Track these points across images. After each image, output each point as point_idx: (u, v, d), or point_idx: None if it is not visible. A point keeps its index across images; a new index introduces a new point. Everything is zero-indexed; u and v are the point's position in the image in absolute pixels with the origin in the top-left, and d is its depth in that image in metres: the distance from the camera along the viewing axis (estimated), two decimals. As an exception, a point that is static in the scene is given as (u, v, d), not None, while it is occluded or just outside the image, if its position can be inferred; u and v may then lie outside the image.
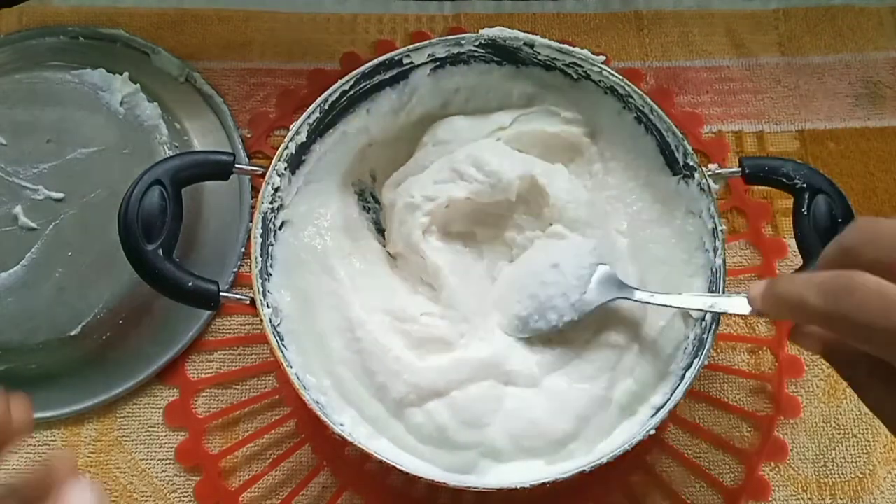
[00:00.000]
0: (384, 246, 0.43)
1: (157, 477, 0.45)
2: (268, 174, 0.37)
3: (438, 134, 0.42)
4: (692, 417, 0.46)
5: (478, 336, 0.40)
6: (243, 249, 0.48)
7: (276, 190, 0.38)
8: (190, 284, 0.34)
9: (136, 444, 0.45)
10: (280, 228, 0.39)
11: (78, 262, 0.44)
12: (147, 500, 0.45)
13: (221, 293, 0.35)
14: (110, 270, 0.44)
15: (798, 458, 0.46)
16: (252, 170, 0.36)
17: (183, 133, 0.49)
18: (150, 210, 0.32)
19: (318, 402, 0.35)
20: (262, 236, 0.37)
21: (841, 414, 0.47)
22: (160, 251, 0.33)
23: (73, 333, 0.44)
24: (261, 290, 0.36)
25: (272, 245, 0.38)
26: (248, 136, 0.50)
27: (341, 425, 0.35)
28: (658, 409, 0.37)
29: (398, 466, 0.35)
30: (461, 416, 0.37)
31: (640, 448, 0.45)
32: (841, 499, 0.46)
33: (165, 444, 0.45)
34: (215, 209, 0.48)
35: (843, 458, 0.46)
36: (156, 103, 0.48)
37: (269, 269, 0.38)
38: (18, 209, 0.45)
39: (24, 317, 0.44)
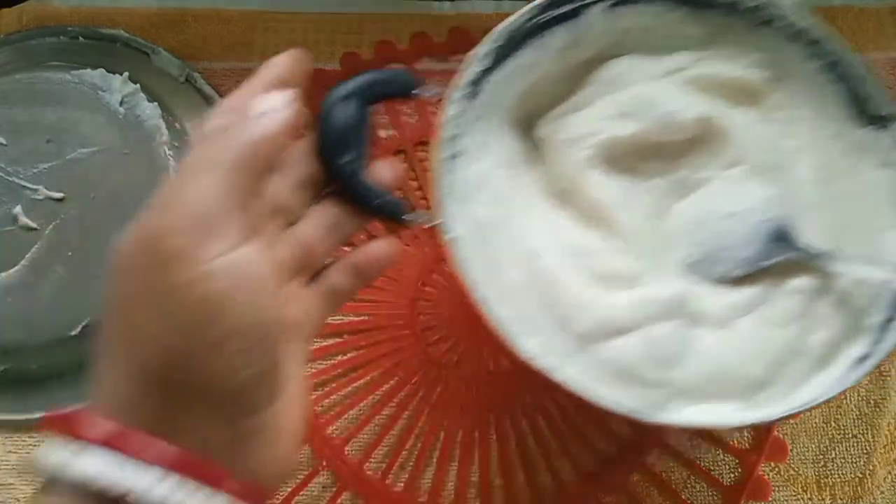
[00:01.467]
0: (549, 184, 0.41)
1: (156, 477, 0.45)
2: (445, 102, 0.37)
3: (607, 73, 0.41)
4: (692, 417, 0.46)
5: (658, 275, 0.38)
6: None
7: (451, 119, 0.37)
8: (378, 201, 0.34)
9: (136, 445, 0.45)
10: (453, 158, 0.37)
11: (78, 262, 0.44)
12: (147, 501, 0.45)
13: (406, 215, 0.35)
14: (110, 270, 0.44)
15: (798, 458, 0.46)
16: (430, 95, 0.35)
17: (183, 133, 0.49)
18: (346, 122, 0.32)
19: (505, 327, 0.34)
20: (441, 161, 0.36)
21: (841, 414, 0.47)
22: (353, 164, 0.33)
23: (72, 334, 0.44)
24: (445, 214, 0.35)
25: (446, 175, 0.37)
26: (248, 136, 0.50)
27: (530, 352, 0.34)
28: (862, 359, 0.35)
29: (594, 398, 0.33)
30: (649, 354, 0.36)
31: (639, 447, 0.46)
32: (841, 499, 0.46)
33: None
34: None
35: (844, 458, 0.46)
36: (156, 103, 0.48)
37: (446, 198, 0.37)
38: (18, 209, 0.45)
39: (24, 317, 0.44)
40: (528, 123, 0.42)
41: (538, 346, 0.34)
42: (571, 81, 0.41)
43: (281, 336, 0.26)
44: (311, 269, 0.31)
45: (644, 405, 0.34)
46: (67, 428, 0.24)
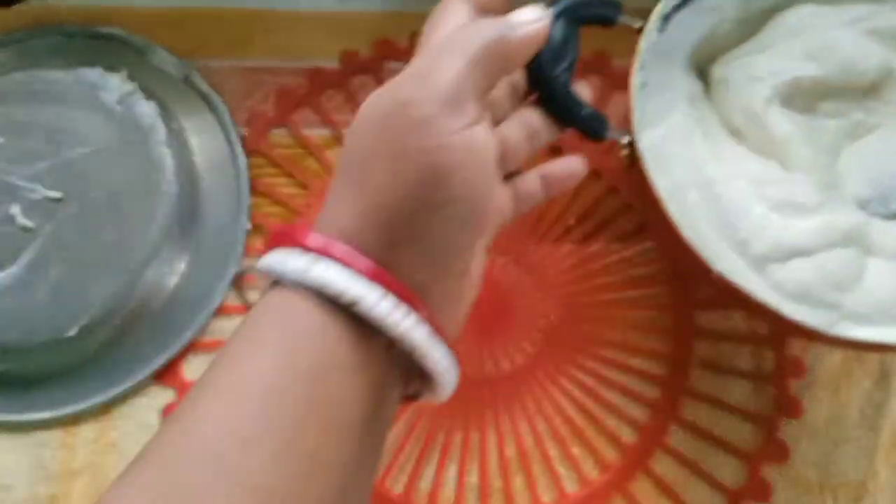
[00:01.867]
0: (724, 121, 0.43)
1: (155, 478, 0.45)
2: (644, 32, 0.39)
3: (789, 19, 0.42)
4: (694, 418, 0.46)
5: (834, 206, 0.40)
6: (242, 249, 0.48)
7: (646, 49, 0.39)
8: (584, 112, 0.37)
9: (134, 446, 0.45)
10: (643, 87, 0.39)
11: (75, 262, 0.44)
12: (145, 502, 0.44)
13: (608, 130, 0.38)
14: (108, 271, 0.44)
15: (800, 460, 0.46)
16: (633, 21, 0.39)
17: (181, 132, 0.49)
18: (563, 36, 0.35)
19: (695, 242, 0.37)
20: (637, 87, 0.39)
21: (844, 415, 0.47)
22: (565, 75, 0.36)
23: (70, 334, 0.43)
24: (637, 132, 0.38)
25: (640, 100, 0.39)
26: (247, 134, 0.50)
27: (718, 268, 0.36)
28: None
29: (782, 311, 0.36)
30: (825, 277, 0.38)
31: (641, 450, 0.46)
32: (843, 500, 0.45)
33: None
34: (213, 208, 0.48)
35: (846, 459, 0.46)
36: (153, 102, 0.47)
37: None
38: (15, 209, 0.44)
39: (21, 317, 0.43)
40: (699, 65, 0.44)
41: (720, 268, 0.36)
42: (751, 26, 0.43)
43: (489, 215, 0.31)
44: (505, 170, 0.34)
45: (816, 324, 0.37)
46: (300, 241, 0.28)
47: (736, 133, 0.43)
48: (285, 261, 0.27)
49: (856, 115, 0.43)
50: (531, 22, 0.32)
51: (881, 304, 0.39)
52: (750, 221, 0.39)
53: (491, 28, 0.30)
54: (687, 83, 0.43)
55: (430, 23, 0.34)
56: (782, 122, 0.41)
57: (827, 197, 0.41)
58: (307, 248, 0.27)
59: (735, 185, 0.40)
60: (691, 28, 0.42)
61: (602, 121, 0.38)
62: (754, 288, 0.37)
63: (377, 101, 0.29)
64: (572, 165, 0.37)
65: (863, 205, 0.42)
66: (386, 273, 0.27)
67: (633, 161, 0.39)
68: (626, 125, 0.39)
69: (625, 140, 0.39)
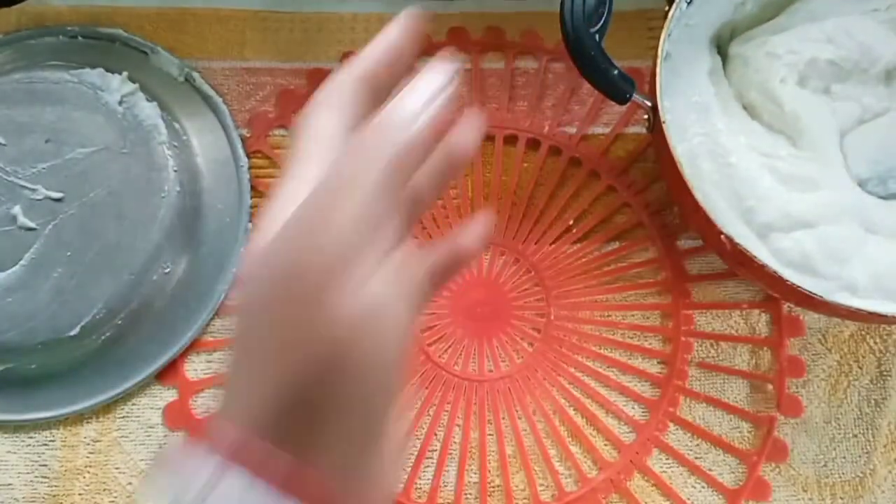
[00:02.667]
0: (738, 95, 0.45)
1: (156, 477, 0.45)
2: (674, 2, 0.41)
3: (809, 4, 0.44)
4: (692, 417, 0.46)
5: (838, 183, 0.42)
6: (243, 249, 0.48)
7: (674, 20, 0.41)
8: (614, 72, 0.38)
9: (136, 445, 0.45)
10: (667, 58, 0.41)
11: (77, 262, 0.44)
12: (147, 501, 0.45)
13: (633, 94, 0.39)
14: (110, 270, 0.44)
15: (799, 459, 0.46)
16: None
17: (182, 132, 0.49)
18: None
19: (707, 205, 0.38)
20: (662, 56, 0.40)
21: (842, 414, 0.47)
22: (596, 36, 0.37)
23: (72, 333, 0.44)
24: (659, 99, 0.39)
25: (664, 69, 0.41)
26: (248, 135, 0.50)
27: (724, 230, 0.38)
28: None
29: (783, 276, 0.37)
30: (825, 249, 0.40)
31: (640, 449, 0.46)
32: (841, 498, 0.46)
33: (165, 444, 0.45)
34: (214, 208, 0.48)
35: (844, 458, 0.46)
36: (155, 103, 0.47)
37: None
38: (17, 209, 0.45)
39: (23, 317, 0.43)
40: (718, 42, 0.46)
41: (728, 232, 0.38)
42: (771, 10, 0.45)
43: (402, 377, 0.26)
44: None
45: (816, 291, 0.38)
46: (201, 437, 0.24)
47: (750, 108, 0.44)
48: (187, 485, 0.24)
49: (866, 99, 0.44)
50: (435, 96, 0.24)
51: (877, 279, 0.40)
52: (758, 191, 0.41)
53: (387, 142, 0.23)
54: (708, 58, 0.44)
55: (300, 134, 0.25)
56: (795, 101, 0.43)
57: (831, 174, 0.42)
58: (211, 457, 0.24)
59: (746, 157, 0.42)
60: (717, 5, 0.44)
61: (631, 82, 0.39)
62: (758, 253, 0.38)
63: (261, 266, 0.24)
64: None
65: (862, 184, 0.43)
66: (294, 479, 0.23)
67: (653, 127, 0.40)
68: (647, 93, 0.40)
69: (648, 105, 0.40)
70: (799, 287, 0.38)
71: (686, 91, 0.43)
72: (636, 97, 0.40)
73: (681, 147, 0.41)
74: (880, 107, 0.44)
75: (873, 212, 0.42)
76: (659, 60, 0.40)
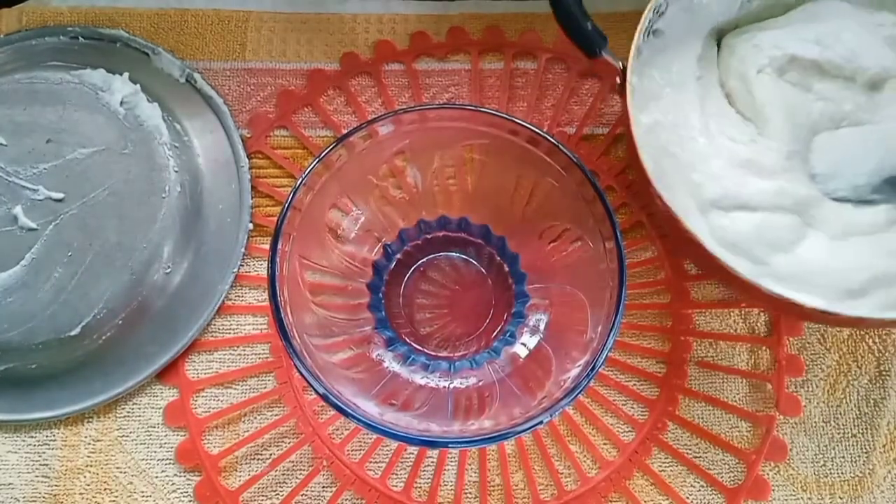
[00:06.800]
0: (722, 82, 0.46)
1: (157, 477, 0.45)
2: None
3: (814, 7, 0.45)
4: (691, 417, 0.47)
5: (794, 176, 0.43)
6: (243, 250, 0.48)
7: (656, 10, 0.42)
8: (588, 25, 0.40)
9: (137, 444, 0.45)
10: (653, 34, 0.43)
11: (78, 263, 0.44)
12: (147, 500, 0.45)
13: (604, 50, 0.41)
14: (110, 270, 0.44)
15: (798, 458, 0.46)
16: None
17: (183, 133, 0.49)
18: None
19: (649, 169, 0.39)
20: (652, 29, 0.42)
21: (841, 413, 0.47)
22: None
23: (72, 333, 0.44)
24: (632, 71, 0.40)
25: (643, 42, 0.42)
26: (248, 136, 0.50)
27: (667, 201, 0.38)
28: None
29: (712, 251, 0.37)
30: (762, 235, 0.41)
31: (639, 448, 0.46)
32: (840, 498, 0.46)
33: (165, 444, 0.45)
34: (215, 209, 0.48)
35: (843, 457, 0.46)
36: (156, 104, 0.48)
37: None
38: (18, 209, 0.45)
39: (24, 317, 0.44)
40: (720, 34, 0.47)
41: (673, 206, 0.38)
42: (780, 9, 0.46)
43: None
44: None
45: (743, 272, 0.38)
46: None
47: (729, 96, 0.45)
48: None
49: (846, 105, 0.44)
50: None
51: (806, 273, 0.41)
52: (710, 169, 0.42)
53: None
54: (701, 45, 0.45)
55: None
56: (767, 90, 0.44)
57: (790, 167, 0.43)
58: None
59: (708, 136, 0.43)
60: (719, 5, 0.45)
61: (604, 38, 0.40)
62: (694, 226, 0.38)
63: None
64: None
65: (813, 177, 0.43)
66: None
67: (622, 90, 0.41)
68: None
69: (619, 65, 0.41)
70: (725, 263, 0.37)
71: (669, 67, 0.44)
72: (606, 54, 0.41)
73: (646, 116, 0.42)
74: (858, 117, 0.44)
75: (818, 209, 0.42)
76: (640, 27, 0.41)
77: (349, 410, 0.35)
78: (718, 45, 0.46)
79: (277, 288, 0.37)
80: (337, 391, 0.36)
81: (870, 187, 0.43)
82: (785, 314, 0.47)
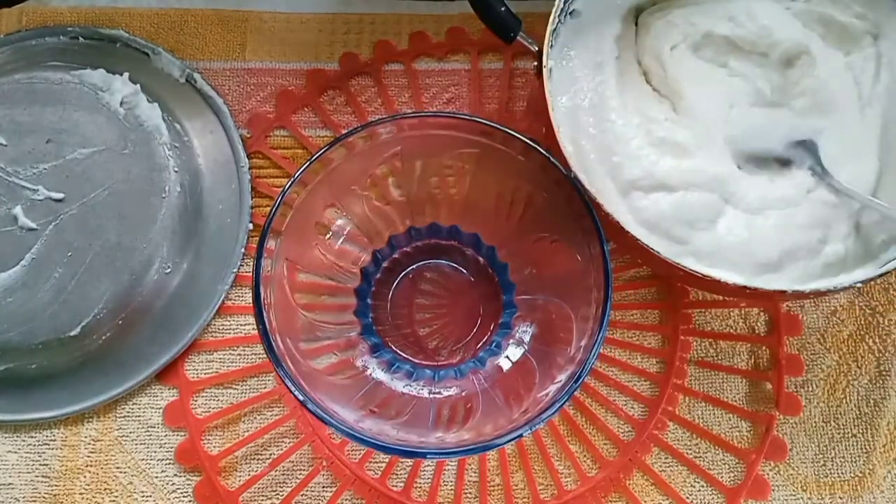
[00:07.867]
0: (638, 61, 0.46)
1: (157, 477, 0.45)
2: None
3: None
4: (691, 416, 0.47)
5: (710, 153, 0.43)
6: (243, 250, 0.48)
7: None
8: (501, 8, 0.40)
9: (136, 445, 0.46)
10: (570, 15, 0.43)
11: (78, 263, 0.44)
12: (147, 500, 0.45)
13: (520, 34, 0.41)
14: (110, 270, 0.44)
15: (798, 458, 0.46)
16: None
17: (183, 133, 0.49)
18: None
19: (568, 156, 0.39)
20: (568, 10, 0.42)
21: (841, 413, 0.47)
22: None
23: (72, 334, 0.44)
24: (549, 49, 0.41)
25: (560, 24, 0.42)
26: (248, 136, 0.50)
27: (585, 182, 0.39)
28: (859, 283, 0.39)
29: (634, 233, 0.38)
30: (681, 214, 0.41)
31: (639, 448, 0.46)
32: (840, 498, 0.46)
33: (165, 444, 0.45)
34: (215, 209, 0.48)
35: (843, 457, 0.46)
36: (156, 104, 0.48)
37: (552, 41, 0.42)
38: (18, 209, 0.45)
39: (24, 317, 0.44)
40: (637, 14, 0.47)
41: (592, 189, 0.39)
42: None
43: None
44: None
45: (663, 252, 0.38)
46: None
47: (646, 74, 0.46)
48: None
49: (760, 83, 0.45)
50: None
51: (725, 250, 0.41)
52: (628, 150, 0.42)
53: None
54: (620, 25, 0.46)
55: None
56: (679, 67, 0.44)
57: (703, 142, 0.43)
58: None
59: (626, 116, 0.43)
60: None
61: (518, 21, 0.40)
62: (615, 209, 0.39)
63: None
64: None
65: (728, 140, 0.44)
66: None
67: (539, 73, 0.41)
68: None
69: (534, 48, 0.41)
70: (644, 244, 0.38)
71: (587, 48, 0.44)
72: (521, 37, 0.41)
73: (566, 98, 0.42)
74: (770, 98, 0.45)
75: (737, 185, 0.42)
76: (556, 7, 0.41)
77: (327, 417, 0.35)
78: (637, 25, 0.46)
79: (261, 289, 0.37)
80: (317, 397, 0.36)
81: (783, 148, 0.43)
82: (710, 291, 0.47)
